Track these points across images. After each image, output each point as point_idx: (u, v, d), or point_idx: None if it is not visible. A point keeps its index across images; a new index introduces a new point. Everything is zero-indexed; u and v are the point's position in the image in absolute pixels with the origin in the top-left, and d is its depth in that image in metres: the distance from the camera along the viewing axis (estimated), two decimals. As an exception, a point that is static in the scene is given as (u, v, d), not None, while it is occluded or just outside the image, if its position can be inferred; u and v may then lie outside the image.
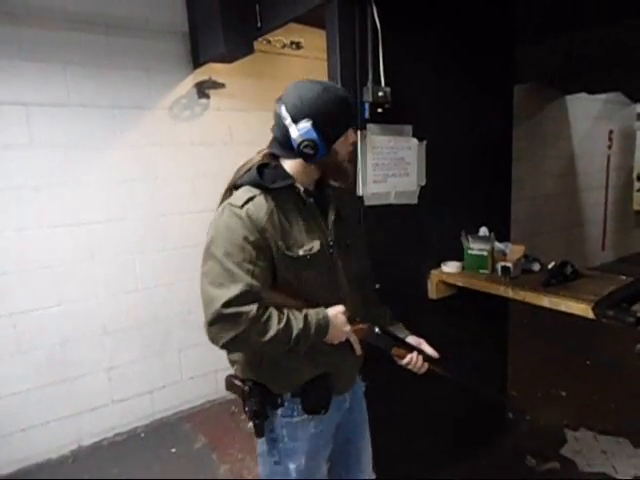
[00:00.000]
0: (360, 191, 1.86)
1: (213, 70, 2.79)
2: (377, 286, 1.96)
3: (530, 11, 2.61)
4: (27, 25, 2.31)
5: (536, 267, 2.03)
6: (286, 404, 1.26)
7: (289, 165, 1.23)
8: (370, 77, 1.78)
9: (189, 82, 2.82)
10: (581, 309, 1.58)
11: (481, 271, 2.06)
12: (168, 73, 2.75)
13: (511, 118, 2.38)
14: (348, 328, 1.25)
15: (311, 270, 1.22)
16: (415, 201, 2.04)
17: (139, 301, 2.76)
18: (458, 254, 2.15)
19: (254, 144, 1.34)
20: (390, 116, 1.86)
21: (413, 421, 2.16)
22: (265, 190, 1.18)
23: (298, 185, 1.22)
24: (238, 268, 1.10)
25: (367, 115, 1.80)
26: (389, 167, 1.93)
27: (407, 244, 2.05)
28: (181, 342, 2.97)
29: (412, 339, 1.41)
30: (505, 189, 2.42)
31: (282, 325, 1.12)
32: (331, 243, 1.27)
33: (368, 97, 1.77)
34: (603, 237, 6.23)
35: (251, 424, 1.28)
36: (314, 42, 3.00)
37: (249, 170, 1.23)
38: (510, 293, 1.82)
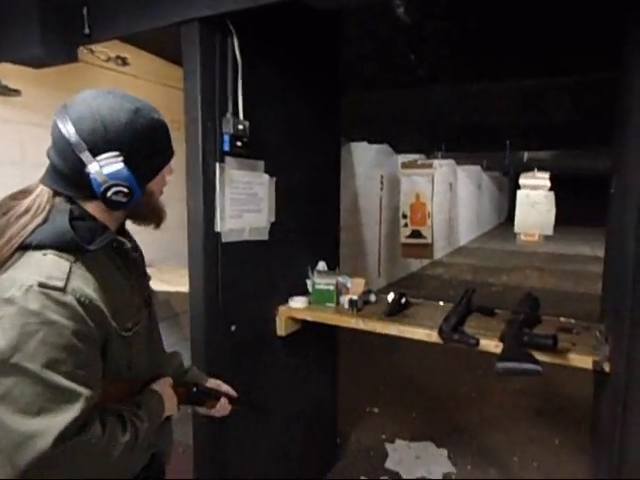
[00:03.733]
0: (218, 227, 1.74)
1: (2, 73, 2.25)
2: (233, 328, 1.88)
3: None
4: None
5: (373, 298, 2.22)
6: None
7: (91, 209, 0.92)
8: (230, 109, 1.71)
9: (-34, 82, 2.21)
10: (426, 335, 1.79)
11: (328, 304, 2.15)
12: None
13: (339, 160, 2.59)
14: (176, 399, 1.09)
15: (139, 345, 0.99)
16: (266, 237, 2.02)
17: None
18: (304, 289, 2.20)
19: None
20: (246, 150, 1.82)
21: (251, 465, 2.06)
22: (80, 253, 0.86)
23: (122, 239, 0.97)
24: (71, 380, 0.79)
25: (227, 148, 1.71)
26: (244, 202, 1.87)
27: (258, 281, 2.00)
28: None
29: (213, 382, 1.29)
30: (335, 225, 2.60)
31: (131, 433, 0.88)
32: (148, 304, 1.07)
33: (229, 129, 1.69)
34: (378, 265, 7.25)
35: None
36: (141, 61, 2.74)
37: (45, 221, 0.86)
38: (362, 325, 1.93)
